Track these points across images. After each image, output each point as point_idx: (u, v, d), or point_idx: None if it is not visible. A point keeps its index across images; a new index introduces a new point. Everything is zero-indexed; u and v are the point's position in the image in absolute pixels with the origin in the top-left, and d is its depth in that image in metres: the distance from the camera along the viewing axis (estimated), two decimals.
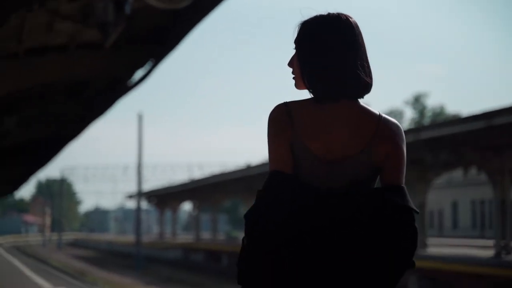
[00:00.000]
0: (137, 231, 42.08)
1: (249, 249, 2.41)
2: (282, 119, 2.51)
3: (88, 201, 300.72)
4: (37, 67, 11.27)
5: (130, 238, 65.26)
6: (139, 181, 42.76)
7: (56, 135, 19.26)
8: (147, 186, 70.68)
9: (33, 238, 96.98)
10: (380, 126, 2.52)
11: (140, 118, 39.44)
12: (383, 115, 2.54)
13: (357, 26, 2.57)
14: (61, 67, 11.66)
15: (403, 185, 2.53)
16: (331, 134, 2.49)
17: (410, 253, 2.44)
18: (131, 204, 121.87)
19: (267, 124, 2.55)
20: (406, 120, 75.71)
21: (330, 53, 2.51)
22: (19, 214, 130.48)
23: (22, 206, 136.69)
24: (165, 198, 54.68)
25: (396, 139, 2.54)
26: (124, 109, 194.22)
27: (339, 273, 2.39)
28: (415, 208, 2.48)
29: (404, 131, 2.60)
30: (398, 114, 77.34)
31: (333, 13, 2.57)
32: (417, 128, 22.53)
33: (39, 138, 19.23)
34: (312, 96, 2.55)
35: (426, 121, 71.37)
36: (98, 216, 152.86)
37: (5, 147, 18.86)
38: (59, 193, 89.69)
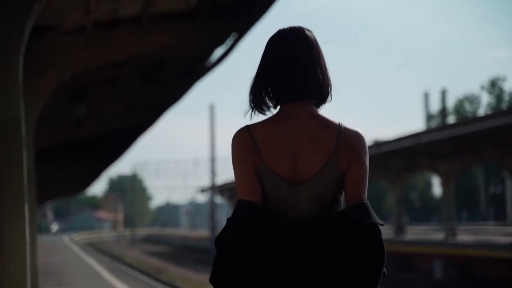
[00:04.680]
0: (212, 225, 40.97)
1: (219, 276, 2.51)
2: (245, 143, 2.54)
3: (158, 196, 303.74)
4: (106, 43, 9.89)
5: (202, 232, 64.47)
6: (212, 175, 41.63)
7: (129, 124, 18.03)
8: (219, 179, 69.60)
9: (106, 234, 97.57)
10: (341, 138, 2.54)
11: (211, 109, 38.14)
12: (343, 125, 2.57)
13: (312, 38, 2.64)
14: (133, 43, 10.26)
15: (366, 201, 2.55)
16: (294, 152, 2.52)
17: (380, 268, 2.48)
18: (202, 198, 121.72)
19: (231, 149, 2.57)
20: (483, 106, 73.21)
21: (281, 60, 2.58)
22: (92, 211, 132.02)
23: (95, 203, 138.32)
24: None
25: (357, 150, 2.55)
26: (194, 99, 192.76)
27: None
28: (380, 222, 2.51)
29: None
30: (474, 99, 74.95)
31: (290, 26, 2.67)
32: None
33: (110, 129, 18.03)
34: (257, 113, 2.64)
35: (504, 106, 69.08)
36: (169, 211, 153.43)
37: (76, 139, 17.73)
38: (130, 189, 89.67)
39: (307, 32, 2.66)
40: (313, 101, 2.62)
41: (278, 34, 2.67)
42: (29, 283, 5.64)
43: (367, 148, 2.61)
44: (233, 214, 2.53)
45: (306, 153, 2.53)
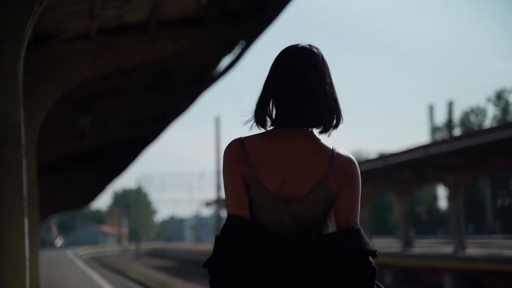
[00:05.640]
0: None
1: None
2: (236, 153, 2.52)
3: (163, 210, 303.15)
4: (112, 50, 9.57)
5: (207, 246, 64.03)
6: (218, 188, 41.29)
7: (134, 135, 17.71)
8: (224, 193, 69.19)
9: (111, 248, 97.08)
10: (333, 162, 2.53)
11: (217, 121, 37.83)
12: (337, 150, 2.56)
13: (320, 58, 2.57)
14: (140, 50, 9.93)
15: (358, 226, 2.52)
16: (284, 172, 2.50)
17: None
18: (207, 212, 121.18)
19: (222, 160, 2.55)
20: (489, 118, 72.89)
21: (289, 83, 2.53)
22: (96, 225, 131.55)
23: (99, 217, 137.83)
24: None
25: (349, 175, 2.54)
26: (200, 111, 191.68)
27: None
28: (373, 249, 2.46)
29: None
30: (480, 112, 74.55)
31: (300, 44, 2.60)
32: None
33: (116, 140, 17.70)
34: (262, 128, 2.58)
35: (510, 118, 68.86)
36: (174, 225, 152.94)
37: (82, 151, 17.40)
38: (135, 203, 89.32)
39: (315, 50, 2.59)
40: (316, 128, 2.59)
41: (286, 54, 2.60)
42: None
43: (359, 173, 2.58)
44: (221, 230, 2.49)
45: (296, 174, 2.50)
